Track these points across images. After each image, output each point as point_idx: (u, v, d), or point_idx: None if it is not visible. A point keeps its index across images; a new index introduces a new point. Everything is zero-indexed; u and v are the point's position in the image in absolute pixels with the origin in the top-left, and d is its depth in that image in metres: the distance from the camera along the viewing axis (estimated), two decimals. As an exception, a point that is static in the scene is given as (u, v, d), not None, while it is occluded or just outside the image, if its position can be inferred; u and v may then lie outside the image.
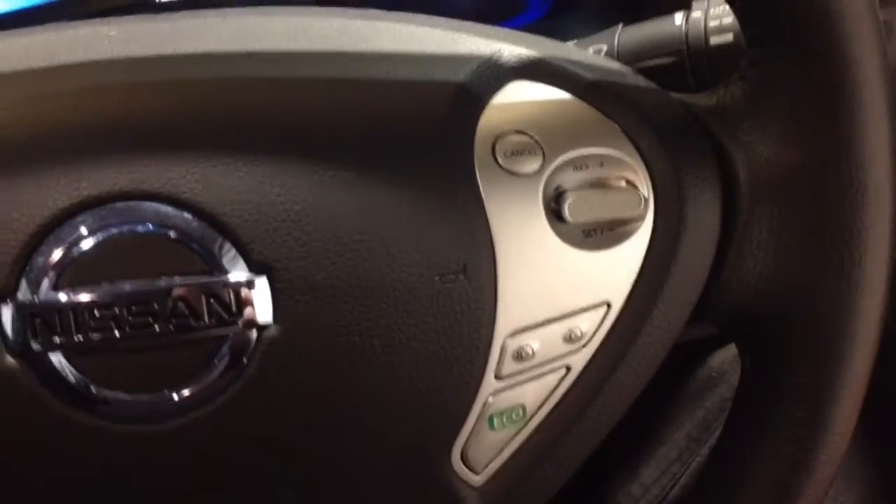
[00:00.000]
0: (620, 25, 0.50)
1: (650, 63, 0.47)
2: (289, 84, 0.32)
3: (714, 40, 0.46)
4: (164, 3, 0.66)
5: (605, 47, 0.50)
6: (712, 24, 0.46)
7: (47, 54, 0.32)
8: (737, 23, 0.37)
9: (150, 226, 0.30)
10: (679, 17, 0.47)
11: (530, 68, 0.34)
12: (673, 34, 0.47)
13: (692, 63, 0.47)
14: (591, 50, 0.50)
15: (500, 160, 0.33)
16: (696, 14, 0.47)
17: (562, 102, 0.34)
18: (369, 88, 0.33)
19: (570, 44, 0.50)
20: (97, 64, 0.32)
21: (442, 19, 0.36)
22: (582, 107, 0.34)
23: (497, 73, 0.34)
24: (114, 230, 0.30)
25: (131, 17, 0.34)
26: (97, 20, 0.33)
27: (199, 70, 0.32)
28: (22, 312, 0.29)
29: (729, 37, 0.45)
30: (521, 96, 0.34)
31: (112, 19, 0.33)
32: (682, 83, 0.47)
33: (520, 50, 0.35)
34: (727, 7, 0.44)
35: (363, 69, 0.33)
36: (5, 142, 0.30)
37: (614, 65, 0.38)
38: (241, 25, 0.33)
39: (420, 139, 0.32)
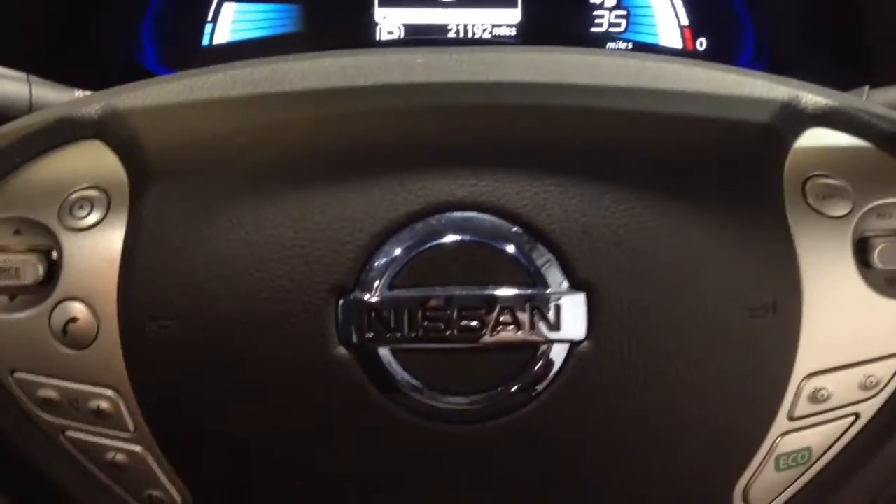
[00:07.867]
0: (867, 89, 0.50)
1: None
2: (606, 115, 0.34)
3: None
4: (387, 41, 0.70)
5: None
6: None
7: (370, 75, 0.34)
8: None
9: (483, 236, 0.31)
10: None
11: (829, 116, 0.35)
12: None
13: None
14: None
15: (810, 201, 0.33)
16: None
17: (866, 150, 0.35)
18: (680, 123, 0.34)
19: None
20: (426, 87, 0.34)
21: (727, 66, 0.37)
22: (884, 157, 0.35)
23: (798, 118, 0.35)
24: (449, 237, 0.31)
25: (428, 49, 0.36)
26: (395, 50, 0.36)
27: (518, 97, 0.34)
28: (359, 307, 0.31)
29: None
30: (822, 142, 0.35)
31: (410, 50, 0.35)
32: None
33: (817, 98, 0.35)
34: None
35: (674, 105, 0.34)
36: (360, 149, 0.33)
37: None
38: (545, 60, 0.35)
39: (730, 174, 0.33)
